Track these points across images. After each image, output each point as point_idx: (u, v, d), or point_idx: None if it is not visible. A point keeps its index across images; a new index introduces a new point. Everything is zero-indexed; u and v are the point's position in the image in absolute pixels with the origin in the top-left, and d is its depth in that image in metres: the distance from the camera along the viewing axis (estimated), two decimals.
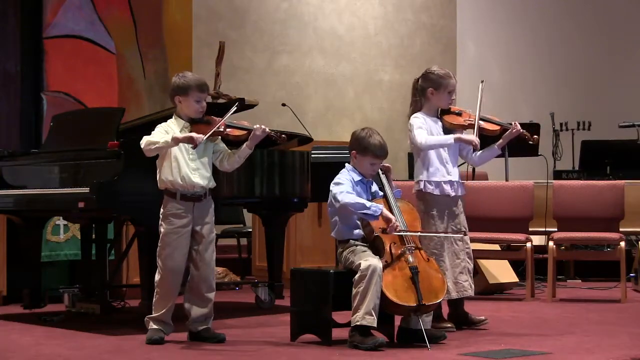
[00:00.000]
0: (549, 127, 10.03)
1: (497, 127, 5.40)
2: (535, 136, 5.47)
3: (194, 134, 4.76)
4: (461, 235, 5.27)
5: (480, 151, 5.45)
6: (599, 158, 9.50)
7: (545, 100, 11.58)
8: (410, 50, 11.62)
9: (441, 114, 5.43)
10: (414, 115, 5.38)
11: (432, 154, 5.33)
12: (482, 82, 5.45)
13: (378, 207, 4.78)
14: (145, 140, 4.82)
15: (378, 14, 11.41)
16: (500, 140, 5.39)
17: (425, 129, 5.30)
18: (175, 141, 4.76)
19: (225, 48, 6.64)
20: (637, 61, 12.18)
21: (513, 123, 5.39)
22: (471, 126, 5.32)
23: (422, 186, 5.34)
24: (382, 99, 11.39)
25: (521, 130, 5.36)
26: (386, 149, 4.94)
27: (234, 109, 5.05)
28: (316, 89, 10.87)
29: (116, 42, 9.43)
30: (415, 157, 5.41)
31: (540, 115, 10.04)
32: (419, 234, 4.97)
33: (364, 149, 4.90)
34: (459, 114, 5.41)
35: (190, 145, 4.77)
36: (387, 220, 4.78)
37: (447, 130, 5.39)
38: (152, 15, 9.66)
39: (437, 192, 5.33)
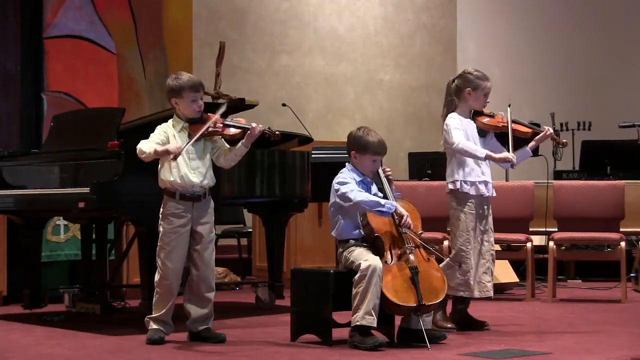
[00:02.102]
0: (549, 127, 10.01)
1: (529, 130, 5.47)
2: (564, 140, 5.55)
3: (170, 147, 4.72)
4: (456, 263, 5.26)
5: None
6: (599, 158, 9.49)
7: (545, 100, 11.57)
8: (411, 50, 11.62)
9: (474, 115, 5.46)
10: (450, 116, 5.41)
11: None
12: (509, 105, 5.47)
13: (392, 204, 4.79)
14: (138, 148, 4.83)
15: (378, 14, 11.41)
16: (532, 143, 5.44)
17: (462, 129, 5.34)
18: (155, 153, 4.76)
19: (226, 48, 6.64)
20: (637, 61, 12.18)
21: (545, 127, 5.47)
22: (504, 129, 5.37)
23: (458, 185, 5.37)
24: (382, 99, 11.39)
25: (552, 134, 5.45)
26: (385, 145, 4.97)
27: (223, 108, 5.02)
28: (316, 89, 10.87)
29: (116, 42, 9.43)
30: (450, 156, 5.43)
31: (541, 115, 10.02)
32: (428, 247, 4.94)
33: (364, 147, 4.91)
34: (492, 116, 5.47)
35: (171, 156, 4.74)
36: (401, 216, 4.80)
37: (480, 131, 5.46)
38: (152, 15, 9.66)
39: (472, 191, 5.37)
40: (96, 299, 5.93)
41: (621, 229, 7.15)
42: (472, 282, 5.32)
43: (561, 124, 10.41)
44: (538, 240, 7.72)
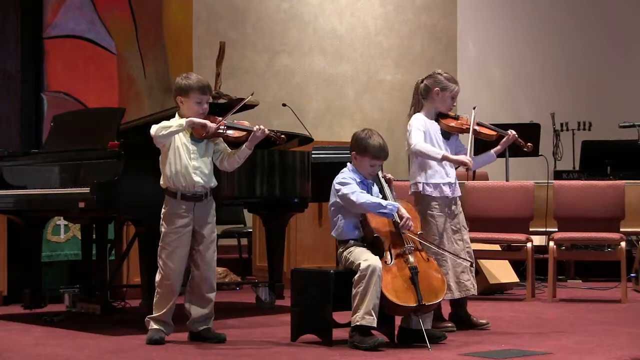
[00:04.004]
0: (549, 127, 10.02)
1: (493, 133, 5.45)
2: (529, 144, 5.50)
3: (207, 122, 4.79)
4: (464, 260, 5.25)
5: (476, 156, 5.51)
6: (600, 158, 9.50)
7: (545, 100, 11.58)
8: (411, 50, 11.62)
9: (439, 116, 5.44)
10: (414, 116, 5.40)
11: None
12: (474, 108, 5.46)
13: (395, 205, 4.79)
14: (156, 126, 4.82)
15: (378, 14, 11.41)
16: (498, 147, 5.42)
17: (423, 130, 5.31)
18: (190, 124, 4.78)
19: (226, 48, 6.64)
20: (637, 61, 12.18)
21: (509, 131, 5.43)
22: (468, 131, 5.35)
23: (420, 188, 5.35)
24: (382, 99, 11.39)
25: (517, 138, 5.41)
26: (386, 150, 4.94)
27: (235, 108, 5.05)
28: (316, 89, 10.87)
29: (116, 42, 9.43)
30: (412, 157, 5.41)
31: (541, 115, 10.04)
32: (428, 244, 4.95)
33: (364, 149, 4.90)
34: (456, 118, 5.45)
35: (201, 136, 4.79)
36: (402, 218, 4.80)
37: (445, 133, 5.43)
38: (153, 15, 9.66)
39: (435, 193, 5.34)
40: (96, 299, 5.93)
41: (621, 229, 7.14)
42: (451, 283, 5.29)
43: (561, 124, 10.42)
44: (538, 240, 7.73)
